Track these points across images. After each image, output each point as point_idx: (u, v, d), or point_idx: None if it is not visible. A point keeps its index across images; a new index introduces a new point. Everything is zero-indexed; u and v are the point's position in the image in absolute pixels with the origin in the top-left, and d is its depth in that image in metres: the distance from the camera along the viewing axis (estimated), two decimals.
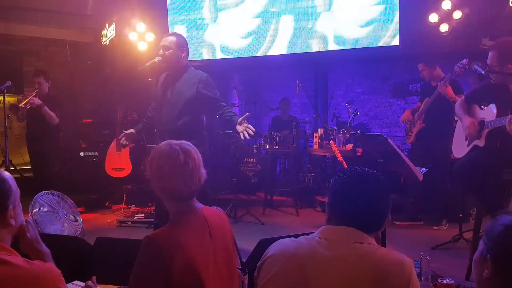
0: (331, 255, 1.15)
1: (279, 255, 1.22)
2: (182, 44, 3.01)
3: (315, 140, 5.28)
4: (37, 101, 4.39)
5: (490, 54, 2.62)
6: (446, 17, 4.38)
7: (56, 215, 3.49)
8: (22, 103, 4.41)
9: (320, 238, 1.21)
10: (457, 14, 4.32)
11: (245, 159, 5.50)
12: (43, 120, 4.46)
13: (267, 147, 5.18)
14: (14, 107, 4.53)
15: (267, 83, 7.42)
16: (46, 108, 4.41)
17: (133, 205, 4.66)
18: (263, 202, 5.06)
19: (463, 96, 3.00)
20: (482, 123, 2.75)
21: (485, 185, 2.71)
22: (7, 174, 1.26)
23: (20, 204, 1.29)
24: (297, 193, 5.05)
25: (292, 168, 5.27)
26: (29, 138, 4.77)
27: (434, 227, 4.01)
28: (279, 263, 1.20)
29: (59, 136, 4.81)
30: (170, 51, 2.97)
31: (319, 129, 5.34)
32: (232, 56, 5.59)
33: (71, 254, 2.00)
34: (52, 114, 4.46)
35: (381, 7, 4.84)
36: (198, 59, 5.54)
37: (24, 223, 1.30)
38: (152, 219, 4.14)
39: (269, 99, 7.06)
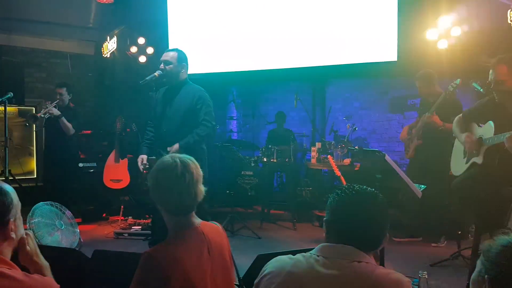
0: (329, 273, 1.15)
1: (277, 273, 1.22)
2: (182, 60, 3.07)
3: (313, 154, 5.29)
4: (56, 111, 4.54)
5: (495, 69, 2.62)
6: (444, 33, 4.43)
7: (53, 226, 3.47)
8: (41, 113, 4.55)
9: (318, 256, 1.20)
10: (456, 31, 4.36)
11: (243, 172, 5.50)
12: (61, 131, 4.61)
13: (265, 160, 5.18)
14: (32, 116, 4.65)
15: (265, 97, 7.47)
16: (63, 118, 4.56)
17: (130, 217, 4.64)
18: (260, 215, 5.04)
19: (461, 114, 3.03)
20: (480, 141, 2.77)
21: (484, 203, 2.71)
22: (8, 187, 1.26)
23: (21, 217, 1.29)
24: (295, 207, 5.03)
25: (290, 181, 5.27)
26: (47, 147, 4.99)
27: (433, 244, 3.99)
28: (276, 281, 1.20)
29: (77, 146, 4.99)
30: (171, 65, 3.03)
31: (316, 143, 5.35)
32: (230, 70, 5.65)
33: (68, 266, 1.99)
34: (69, 124, 4.61)
35: (380, 23, 4.91)
36: (197, 72, 5.60)
37: (24, 236, 1.30)
38: (149, 231, 4.13)
39: (267, 112, 7.09)
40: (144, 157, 3.14)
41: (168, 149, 2.91)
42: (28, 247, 1.28)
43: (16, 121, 5.62)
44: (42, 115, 4.53)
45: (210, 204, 5.49)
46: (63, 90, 4.74)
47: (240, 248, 3.83)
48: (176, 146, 2.90)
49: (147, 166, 3.08)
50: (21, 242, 1.27)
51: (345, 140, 5.25)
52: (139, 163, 3.11)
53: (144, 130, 3.32)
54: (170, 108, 3.06)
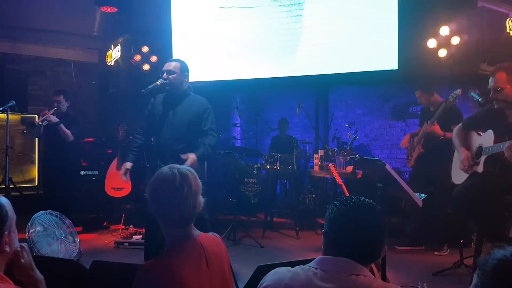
0: (327, 287, 1.14)
1: (275, 286, 1.21)
2: (184, 70, 3.12)
3: (316, 161, 5.27)
4: (54, 118, 4.56)
5: (495, 77, 2.63)
6: (444, 42, 4.44)
7: (53, 235, 3.46)
8: (39, 120, 4.57)
9: (316, 269, 1.20)
10: (455, 40, 4.38)
11: (246, 179, 5.48)
12: (61, 138, 4.62)
13: (268, 167, 5.18)
14: (30, 123, 4.67)
15: (268, 103, 7.49)
16: (62, 125, 4.58)
17: (131, 226, 4.61)
18: (263, 223, 5.01)
19: (460, 124, 3.02)
20: (480, 150, 2.76)
21: (484, 211, 2.69)
22: (3, 199, 1.25)
23: (16, 229, 1.28)
24: (298, 215, 5.00)
25: (293, 189, 5.24)
26: (46, 155, 4.99)
27: (435, 253, 3.96)
28: None
29: (77, 153, 4.99)
30: (174, 75, 3.07)
31: (319, 150, 5.34)
32: (234, 78, 5.66)
33: (66, 278, 1.97)
34: (67, 131, 4.62)
35: (380, 32, 4.92)
36: (200, 80, 5.62)
37: (19, 248, 1.28)
38: None
39: (270, 119, 7.10)
40: (129, 164, 3.11)
41: (183, 156, 2.88)
42: (22, 260, 1.26)
43: (19, 128, 5.65)
44: (40, 123, 4.54)
45: (213, 212, 5.49)
46: (61, 97, 4.77)
47: (243, 258, 3.80)
48: (194, 157, 2.86)
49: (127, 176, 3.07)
50: (16, 255, 1.26)
51: (348, 147, 5.23)
52: (122, 171, 3.09)
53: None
54: (174, 116, 3.08)
